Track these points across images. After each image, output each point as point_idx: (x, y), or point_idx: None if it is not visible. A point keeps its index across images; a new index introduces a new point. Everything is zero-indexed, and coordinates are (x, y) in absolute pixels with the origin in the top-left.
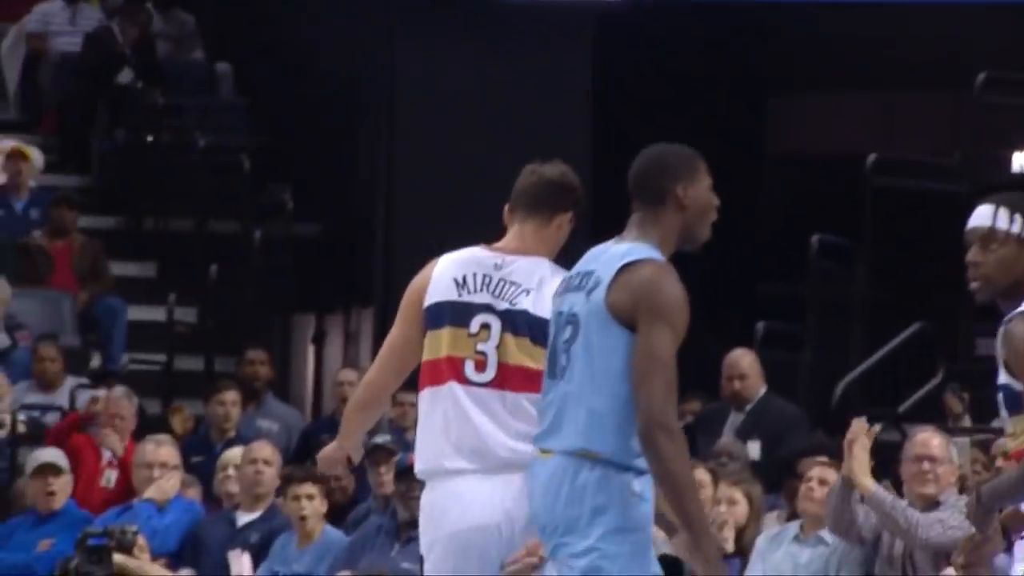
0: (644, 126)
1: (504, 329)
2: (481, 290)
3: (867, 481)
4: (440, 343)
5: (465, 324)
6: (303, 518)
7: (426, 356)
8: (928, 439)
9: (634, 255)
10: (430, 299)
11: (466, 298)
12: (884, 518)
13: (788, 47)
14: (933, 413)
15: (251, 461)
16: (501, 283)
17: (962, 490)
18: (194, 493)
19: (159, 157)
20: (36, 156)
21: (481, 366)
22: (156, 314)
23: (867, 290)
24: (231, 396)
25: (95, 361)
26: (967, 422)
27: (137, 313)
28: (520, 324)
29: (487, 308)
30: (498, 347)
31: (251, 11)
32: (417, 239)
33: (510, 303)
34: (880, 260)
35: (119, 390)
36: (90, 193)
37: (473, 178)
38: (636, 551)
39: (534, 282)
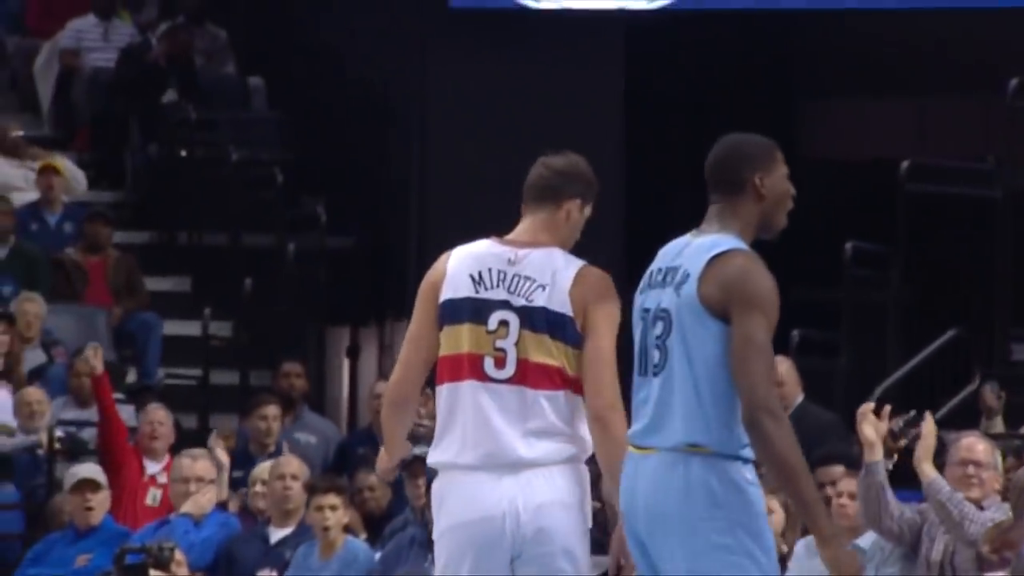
0: (675, 134)
1: (522, 326)
2: (497, 286)
3: (928, 467)
4: (460, 339)
5: (484, 321)
6: (326, 528)
7: (444, 351)
8: (974, 444)
9: (721, 247)
10: (446, 294)
11: (484, 295)
12: (939, 508)
13: (819, 52)
14: (969, 419)
15: (279, 476)
16: (516, 278)
17: (1005, 496)
18: (234, 507)
19: (192, 171)
20: (76, 174)
21: (501, 363)
22: (191, 328)
23: (902, 296)
24: (272, 411)
25: (131, 376)
26: (999, 425)
27: (172, 328)
28: (538, 320)
29: (505, 304)
30: (517, 343)
31: (282, 24)
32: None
33: (527, 299)
34: (914, 266)
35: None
36: (124, 208)
37: (505, 187)
38: (757, 539)
39: (548, 276)
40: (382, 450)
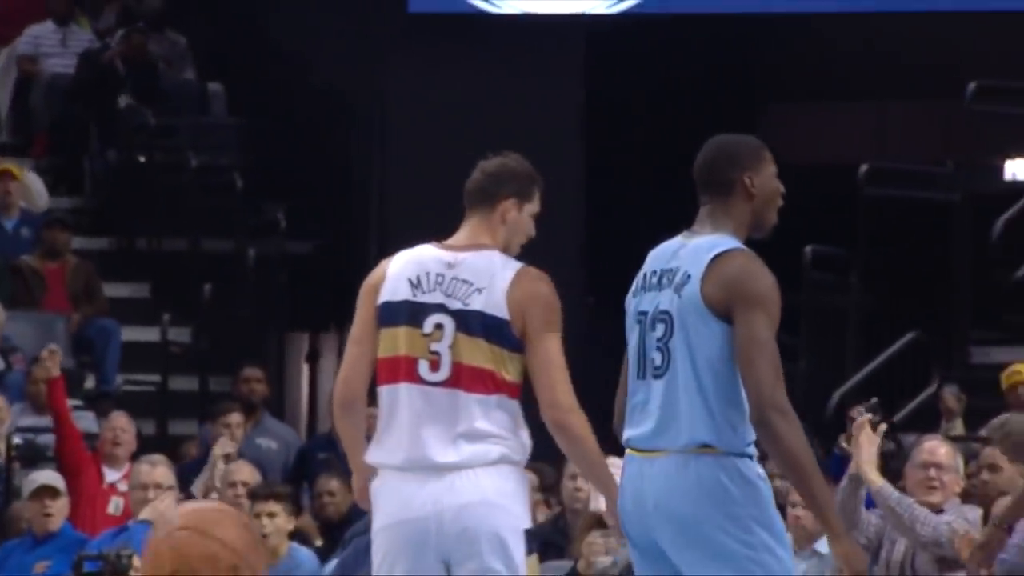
0: (636, 138)
1: (458, 329)
2: (434, 290)
3: (874, 475)
4: (396, 342)
5: (419, 324)
6: (264, 536)
7: (381, 354)
8: (935, 447)
9: (721, 247)
10: (383, 297)
11: (420, 298)
12: (889, 513)
13: (780, 57)
14: (929, 421)
15: (230, 484)
16: (453, 282)
17: (965, 499)
18: None
19: (152, 177)
20: (38, 188)
21: (435, 366)
22: (150, 335)
23: (861, 300)
24: (236, 418)
25: (89, 383)
26: (960, 428)
27: (131, 334)
28: (473, 324)
29: (440, 308)
30: (451, 347)
31: (242, 30)
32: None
33: (463, 303)
34: (874, 270)
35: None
36: (83, 214)
37: None
38: (773, 532)
39: (485, 279)
40: (354, 476)
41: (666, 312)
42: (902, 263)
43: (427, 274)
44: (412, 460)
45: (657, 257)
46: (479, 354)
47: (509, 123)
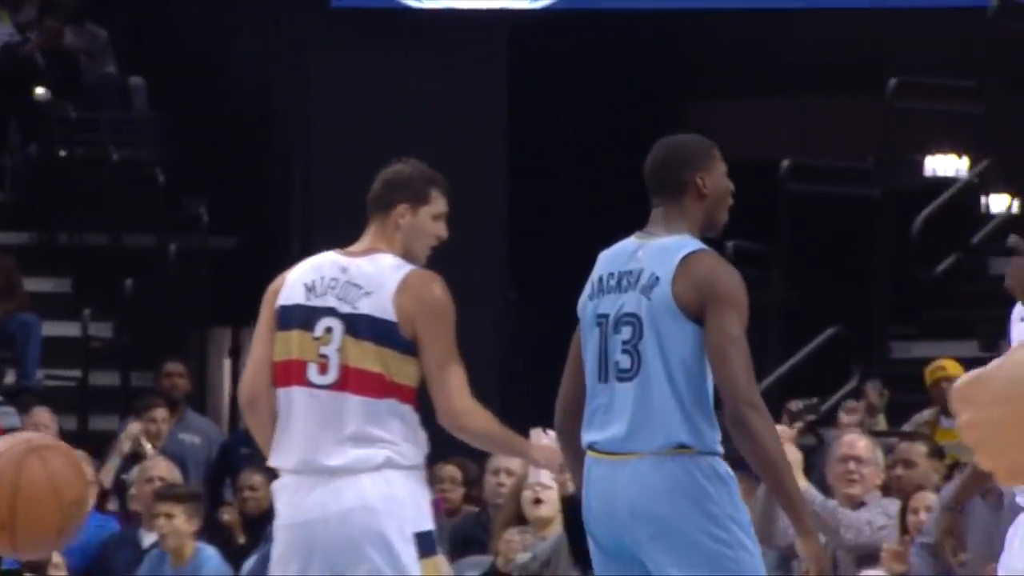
0: (559, 133)
1: (347, 332)
2: (327, 294)
3: (798, 478)
4: (290, 345)
5: (311, 328)
6: (163, 536)
7: (277, 357)
8: (855, 440)
9: (688, 248)
10: (280, 301)
11: (313, 302)
12: (814, 517)
13: (702, 53)
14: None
15: (147, 480)
16: (346, 286)
17: (885, 492)
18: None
19: (73, 172)
20: None
21: (324, 369)
22: (71, 329)
23: (783, 295)
24: (161, 413)
25: (10, 378)
26: (882, 423)
27: (52, 329)
28: (362, 327)
29: (331, 312)
30: (340, 350)
31: (164, 25)
32: None
33: (352, 306)
34: (795, 265)
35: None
36: (3, 208)
37: None
38: (744, 528)
39: (375, 283)
40: None
41: (633, 315)
42: (823, 259)
43: (322, 278)
44: (303, 463)
45: (613, 259)
46: (367, 357)
47: (432, 119)
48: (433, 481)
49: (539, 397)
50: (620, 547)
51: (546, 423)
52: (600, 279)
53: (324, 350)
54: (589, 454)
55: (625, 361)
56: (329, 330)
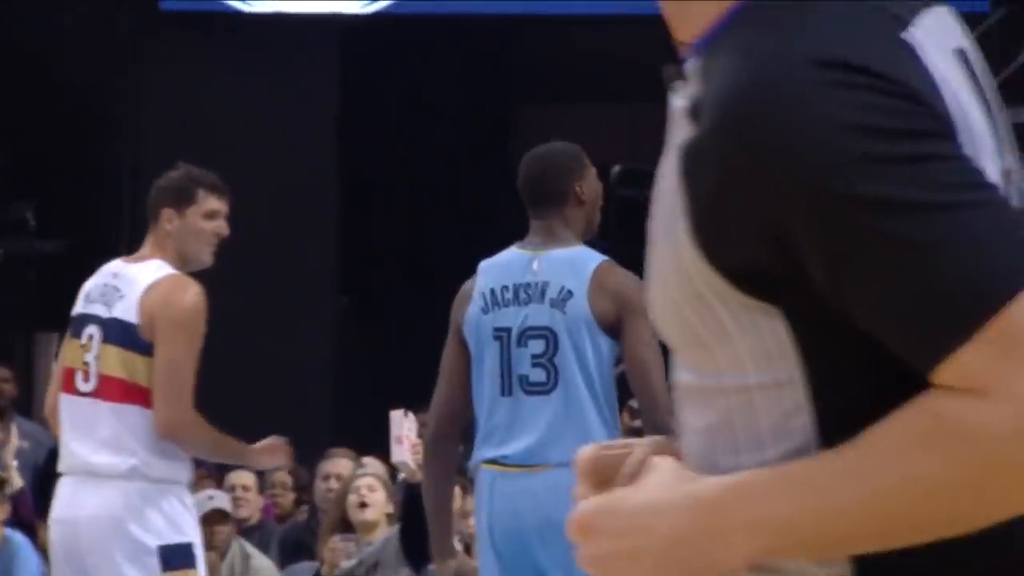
0: (391, 137)
1: (104, 339)
2: (97, 301)
3: None
4: (66, 353)
5: (79, 335)
6: None
7: (59, 365)
8: None
9: (594, 260)
10: (73, 310)
11: (85, 309)
12: None
13: (534, 59)
14: None
15: None
16: (112, 291)
17: None
18: None
19: None
20: None
21: (86, 376)
22: None
23: None
24: None
25: None
26: None
27: None
28: (112, 332)
29: (95, 318)
30: (98, 357)
31: None
32: None
33: (109, 311)
34: (625, 266)
35: None
36: None
37: None
38: None
39: (129, 287)
40: None
41: (545, 328)
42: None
43: (96, 285)
44: (67, 467)
45: (503, 272)
46: (114, 362)
47: (264, 123)
48: (264, 486)
49: (370, 399)
50: (524, 561)
51: (379, 422)
52: (492, 292)
53: (87, 357)
54: (487, 468)
55: (538, 375)
56: (91, 337)
